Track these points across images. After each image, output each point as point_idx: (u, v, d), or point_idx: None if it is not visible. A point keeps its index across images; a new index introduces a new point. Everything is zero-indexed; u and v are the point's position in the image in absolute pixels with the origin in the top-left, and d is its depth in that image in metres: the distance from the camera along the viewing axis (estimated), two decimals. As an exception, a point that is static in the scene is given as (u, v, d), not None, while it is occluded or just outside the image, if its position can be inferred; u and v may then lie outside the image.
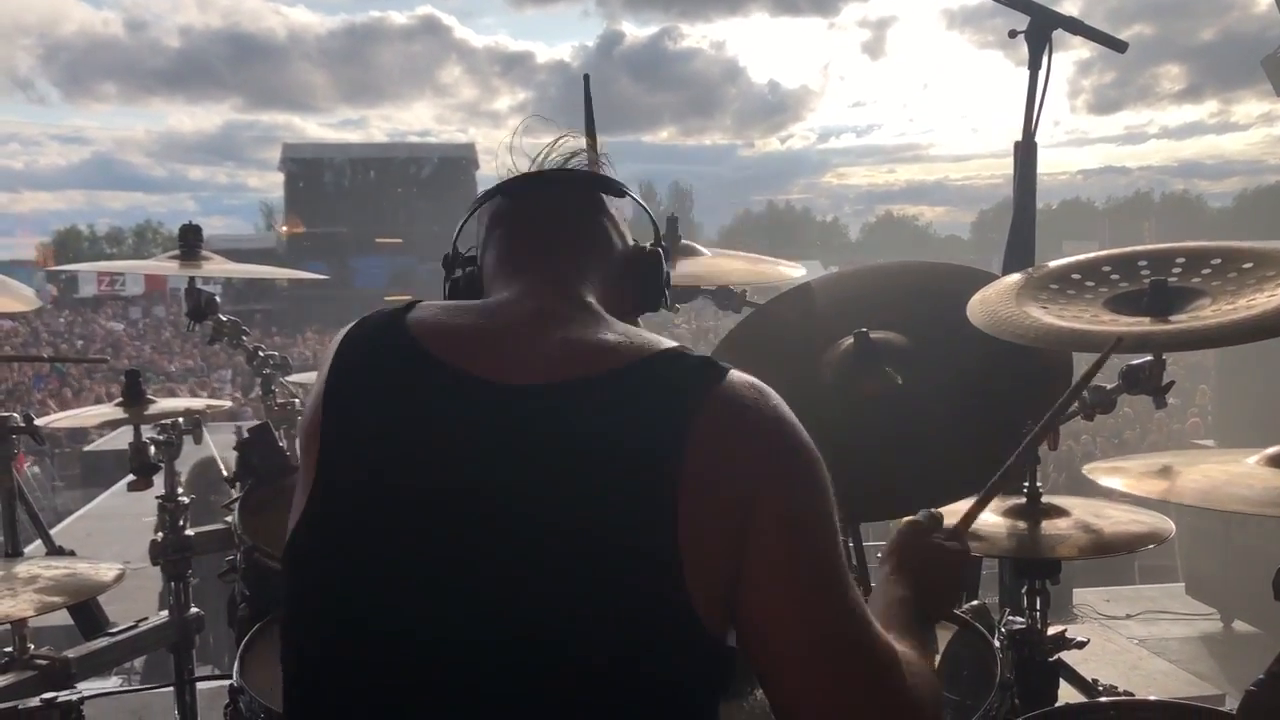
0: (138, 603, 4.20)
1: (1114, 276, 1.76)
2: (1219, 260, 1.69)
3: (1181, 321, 1.58)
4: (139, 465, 2.71)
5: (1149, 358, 1.68)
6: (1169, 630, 5.83)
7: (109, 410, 2.85)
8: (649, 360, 1.06)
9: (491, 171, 1.32)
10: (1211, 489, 1.65)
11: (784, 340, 2.26)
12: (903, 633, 1.15)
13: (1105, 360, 1.49)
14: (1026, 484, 1.98)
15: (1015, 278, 1.86)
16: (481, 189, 1.32)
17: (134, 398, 2.79)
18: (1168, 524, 1.91)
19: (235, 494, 2.59)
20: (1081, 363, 1.54)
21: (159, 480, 2.80)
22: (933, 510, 1.39)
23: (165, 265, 2.87)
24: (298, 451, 1.34)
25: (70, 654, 2.49)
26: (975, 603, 2.03)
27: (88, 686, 2.30)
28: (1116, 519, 1.95)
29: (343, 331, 1.15)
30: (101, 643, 2.72)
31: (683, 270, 2.50)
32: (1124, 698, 1.93)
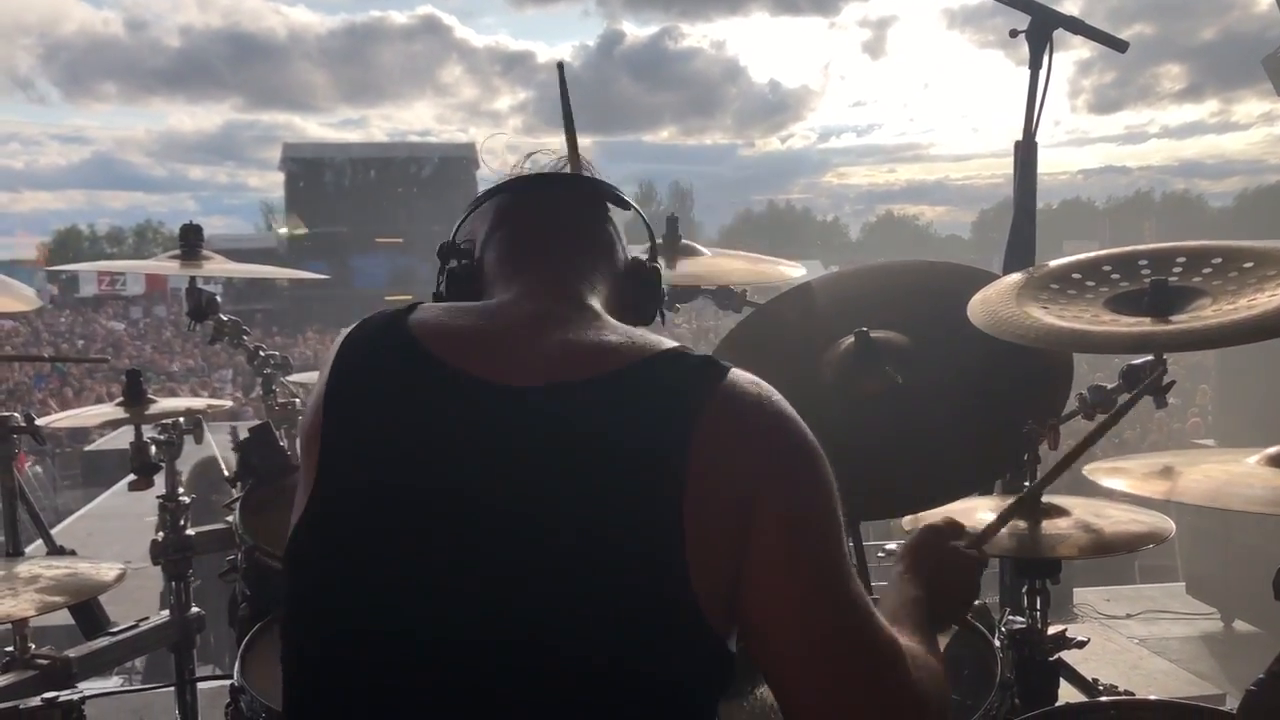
0: (139, 602, 4.23)
1: (1114, 276, 1.75)
2: (1220, 260, 1.69)
3: (1182, 321, 1.57)
4: (140, 465, 2.71)
5: (1149, 357, 1.68)
6: (1169, 630, 5.82)
7: (110, 410, 2.85)
8: (650, 360, 1.06)
9: (490, 171, 1.32)
10: (1212, 489, 1.65)
11: (784, 340, 2.26)
12: (913, 630, 1.16)
13: (1145, 392, 1.50)
14: (1027, 483, 1.99)
15: (1016, 277, 1.86)
16: (482, 189, 1.32)
17: (135, 397, 2.79)
18: (1168, 524, 1.90)
19: (236, 494, 2.60)
20: (1082, 363, 1.54)
21: (160, 480, 2.80)
22: (955, 519, 1.41)
23: (166, 265, 2.87)
24: (298, 451, 1.34)
25: (71, 654, 2.49)
26: (975, 602, 2.03)
27: (89, 686, 2.30)
28: (1117, 518, 1.94)
29: (344, 333, 1.15)
30: (102, 642, 2.72)
31: (683, 270, 2.50)
32: (1124, 697, 1.93)
